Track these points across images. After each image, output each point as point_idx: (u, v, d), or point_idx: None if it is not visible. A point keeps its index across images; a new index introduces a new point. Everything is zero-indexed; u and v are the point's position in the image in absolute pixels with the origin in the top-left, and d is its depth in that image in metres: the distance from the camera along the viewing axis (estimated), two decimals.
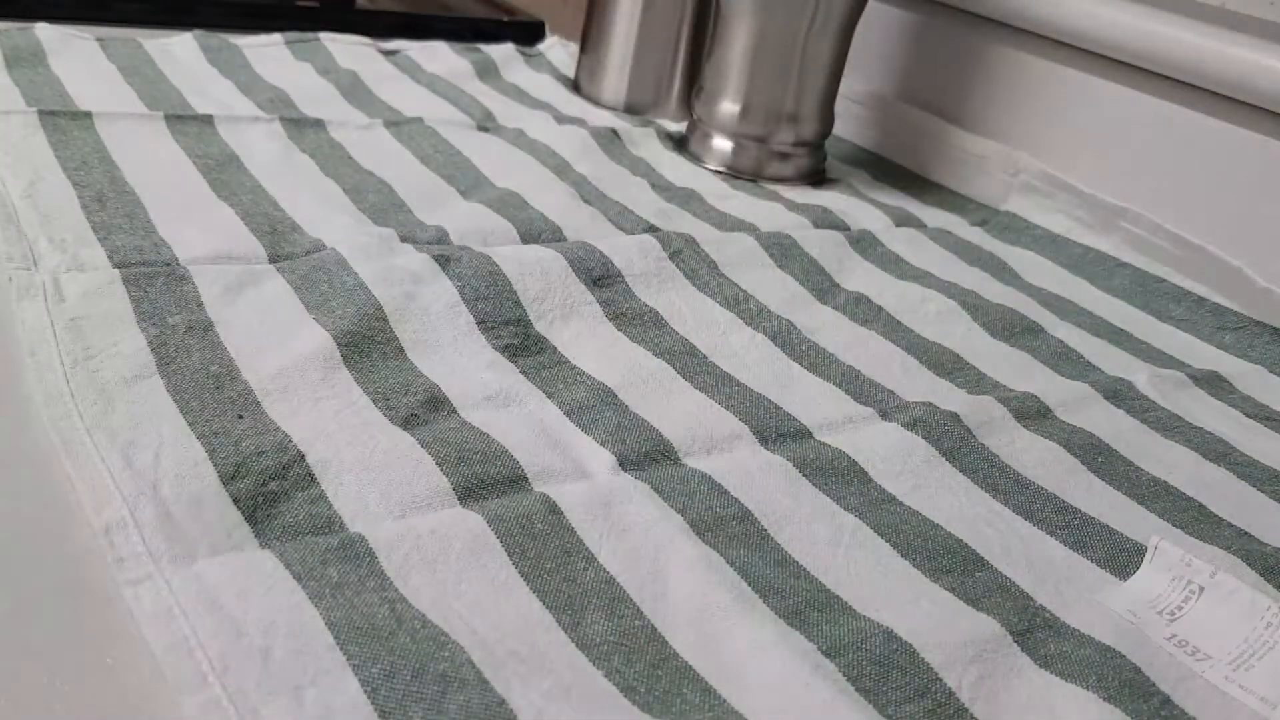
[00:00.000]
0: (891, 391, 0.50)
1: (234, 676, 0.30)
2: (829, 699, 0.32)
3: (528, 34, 0.99)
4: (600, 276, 0.55)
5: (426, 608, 0.33)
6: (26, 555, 0.34)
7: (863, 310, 0.58)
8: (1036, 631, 0.36)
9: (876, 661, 0.34)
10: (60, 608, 0.32)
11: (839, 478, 0.43)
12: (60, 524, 0.35)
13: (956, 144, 0.79)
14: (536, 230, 0.60)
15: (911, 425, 0.46)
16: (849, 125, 0.86)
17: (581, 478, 0.40)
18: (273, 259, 0.52)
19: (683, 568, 0.36)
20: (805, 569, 0.38)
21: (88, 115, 0.64)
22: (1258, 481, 0.47)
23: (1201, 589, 0.38)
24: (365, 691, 0.29)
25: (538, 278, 0.53)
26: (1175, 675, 0.35)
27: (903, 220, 0.72)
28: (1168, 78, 0.68)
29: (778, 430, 0.46)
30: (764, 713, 0.31)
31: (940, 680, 0.33)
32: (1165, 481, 0.46)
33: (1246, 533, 0.43)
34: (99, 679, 0.30)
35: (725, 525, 0.39)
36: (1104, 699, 0.33)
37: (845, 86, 0.78)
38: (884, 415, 0.48)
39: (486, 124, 0.76)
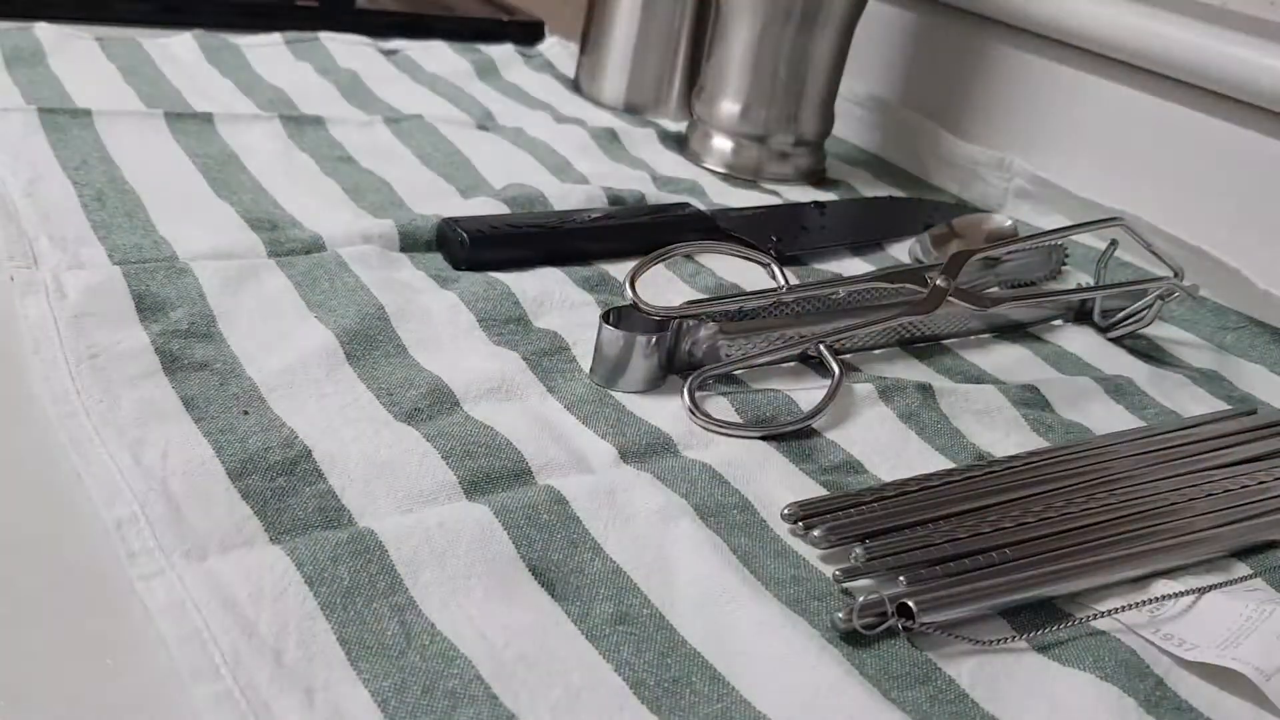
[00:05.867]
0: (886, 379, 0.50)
1: (246, 670, 0.30)
2: (836, 680, 0.32)
3: (527, 34, 0.99)
4: (598, 284, 0.55)
5: (435, 612, 0.33)
6: (36, 552, 0.34)
7: None
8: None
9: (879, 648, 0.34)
10: (71, 603, 0.32)
11: (836, 470, 0.43)
12: (69, 521, 0.35)
13: (953, 149, 0.79)
14: None
15: (907, 417, 0.47)
16: (849, 125, 0.86)
17: (585, 470, 0.41)
18: (272, 254, 0.52)
19: (689, 551, 0.37)
20: (804, 559, 0.38)
21: (87, 113, 0.64)
22: None
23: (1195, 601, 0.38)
24: (376, 702, 0.30)
25: (533, 282, 0.53)
26: (1169, 659, 0.36)
27: None
28: (1168, 78, 0.68)
29: (774, 422, 0.46)
30: (772, 692, 0.32)
31: (941, 669, 0.34)
32: None
33: None
34: (110, 672, 0.30)
35: (726, 514, 0.39)
36: (1100, 678, 0.34)
37: (845, 87, 0.78)
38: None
39: (486, 123, 0.76)
